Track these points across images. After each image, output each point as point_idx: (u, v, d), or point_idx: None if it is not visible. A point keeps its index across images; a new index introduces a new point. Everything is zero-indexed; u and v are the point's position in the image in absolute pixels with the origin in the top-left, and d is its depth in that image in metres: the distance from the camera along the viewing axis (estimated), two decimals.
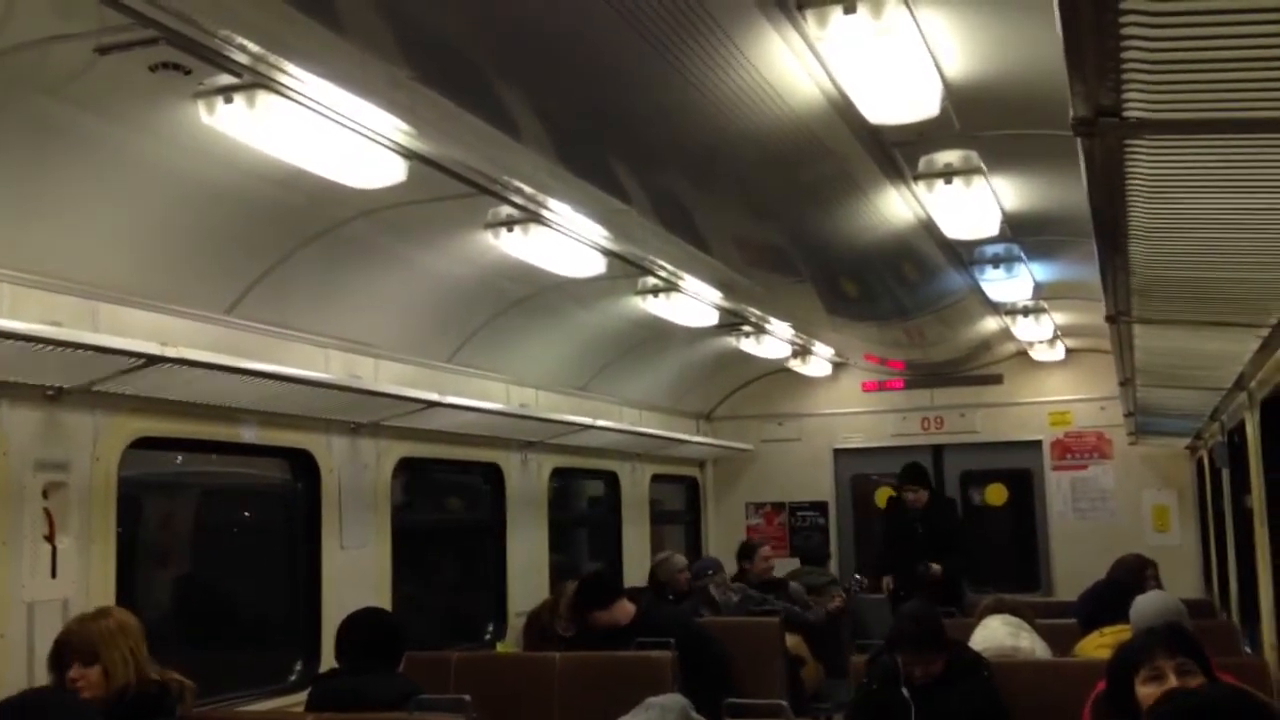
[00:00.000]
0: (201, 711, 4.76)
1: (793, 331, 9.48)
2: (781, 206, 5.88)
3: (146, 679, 4.01)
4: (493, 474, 7.89)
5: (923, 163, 5.05)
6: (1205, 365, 5.42)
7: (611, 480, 9.80)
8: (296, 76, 3.76)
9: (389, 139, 4.32)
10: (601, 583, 6.91)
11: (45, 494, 4.51)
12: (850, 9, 3.32)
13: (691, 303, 7.64)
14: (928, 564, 8.69)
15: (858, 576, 9.26)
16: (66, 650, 3.97)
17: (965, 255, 6.91)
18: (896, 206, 5.73)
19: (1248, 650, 6.61)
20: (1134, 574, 7.01)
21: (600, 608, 6.51)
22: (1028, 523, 11.00)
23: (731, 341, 9.27)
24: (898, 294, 8.09)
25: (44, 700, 3.58)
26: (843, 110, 4.23)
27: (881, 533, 10.19)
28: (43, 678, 4.10)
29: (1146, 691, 3.45)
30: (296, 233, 5.23)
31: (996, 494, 11.24)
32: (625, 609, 6.53)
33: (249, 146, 4.10)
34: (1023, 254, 6.90)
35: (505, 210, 5.49)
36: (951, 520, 9.47)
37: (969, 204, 5.32)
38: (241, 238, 5.08)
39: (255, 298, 5.38)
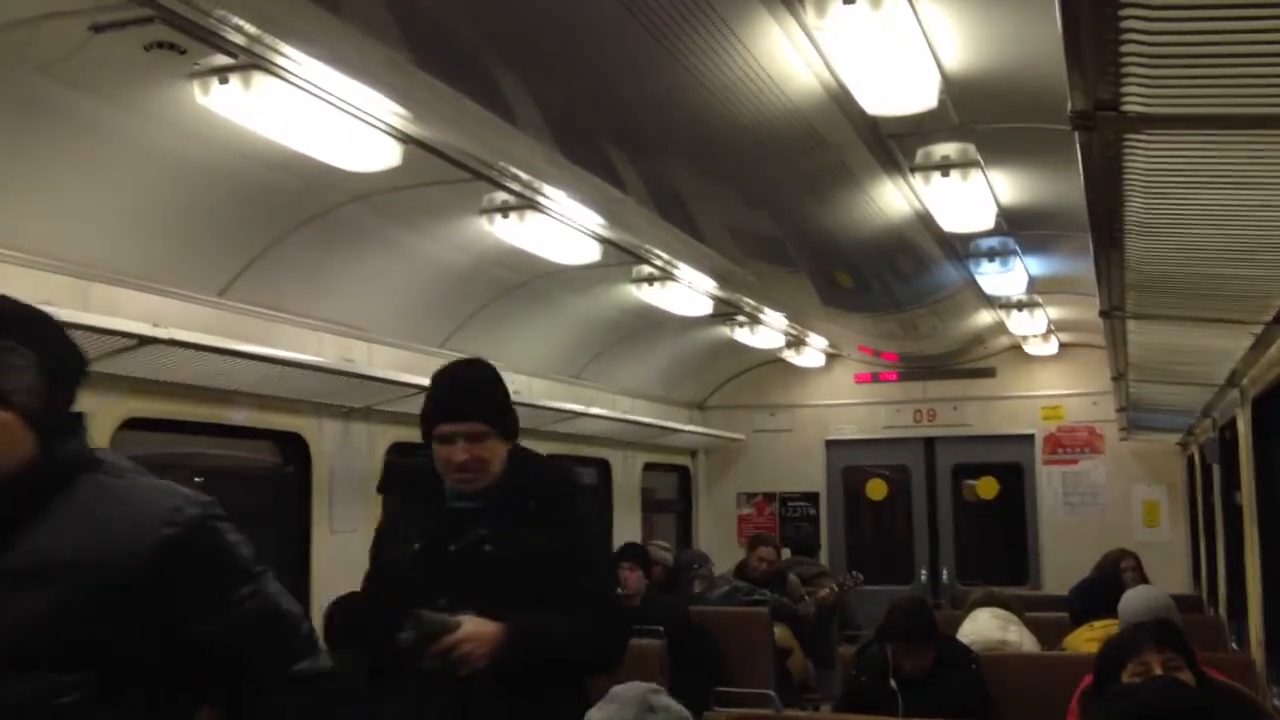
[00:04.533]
0: None
1: (787, 322, 9.48)
2: (778, 197, 5.86)
3: None
4: None
5: (920, 155, 5.05)
6: (1198, 361, 5.42)
7: (604, 468, 9.79)
8: (292, 58, 3.74)
9: (384, 122, 4.30)
10: None
11: None
12: None
13: (686, 292, 7.63)
14: (431, 614, 2.96)
15: (854, 572, 9.18)
16: None
17: (960, 248, 6.90)
18: (893, 198, 5.72)
19: (1235, 646, 6.63)
20: (1115, 567, 7.06)
21: None
22: (1018, 516, 11.01)
23: (725, 331, 9.25)
24: (892, 286, 8.09)
25: None
26: (840, 101, 4.22)
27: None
28: None
29: None
30: (290, 215, 5.21)
31: (988, 487, 11.27)
32: None
33: (243, 128, 4.08)
34: (1018, 248, 6.90)
35: (501, 196, 5.47)
36: (575, 527, 3.25)
37: (965, 197, 5.32)
38: (235, 220, 5.06)
39: (248, 280, 5.36)
